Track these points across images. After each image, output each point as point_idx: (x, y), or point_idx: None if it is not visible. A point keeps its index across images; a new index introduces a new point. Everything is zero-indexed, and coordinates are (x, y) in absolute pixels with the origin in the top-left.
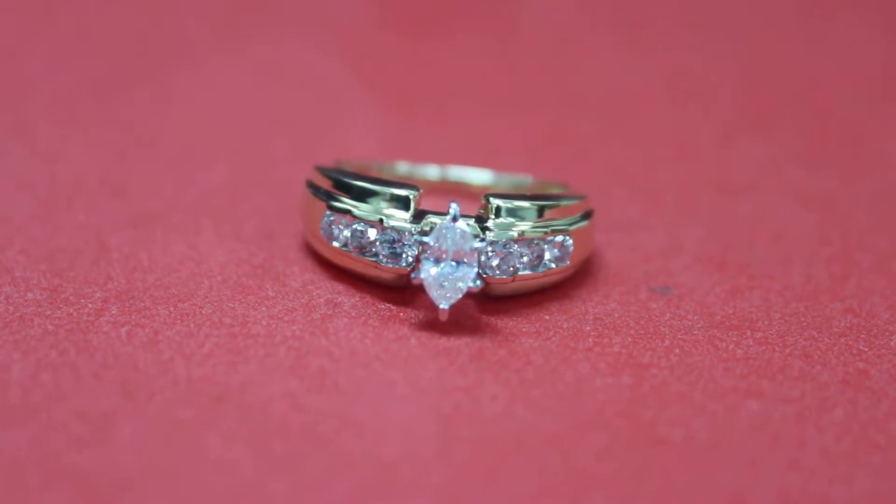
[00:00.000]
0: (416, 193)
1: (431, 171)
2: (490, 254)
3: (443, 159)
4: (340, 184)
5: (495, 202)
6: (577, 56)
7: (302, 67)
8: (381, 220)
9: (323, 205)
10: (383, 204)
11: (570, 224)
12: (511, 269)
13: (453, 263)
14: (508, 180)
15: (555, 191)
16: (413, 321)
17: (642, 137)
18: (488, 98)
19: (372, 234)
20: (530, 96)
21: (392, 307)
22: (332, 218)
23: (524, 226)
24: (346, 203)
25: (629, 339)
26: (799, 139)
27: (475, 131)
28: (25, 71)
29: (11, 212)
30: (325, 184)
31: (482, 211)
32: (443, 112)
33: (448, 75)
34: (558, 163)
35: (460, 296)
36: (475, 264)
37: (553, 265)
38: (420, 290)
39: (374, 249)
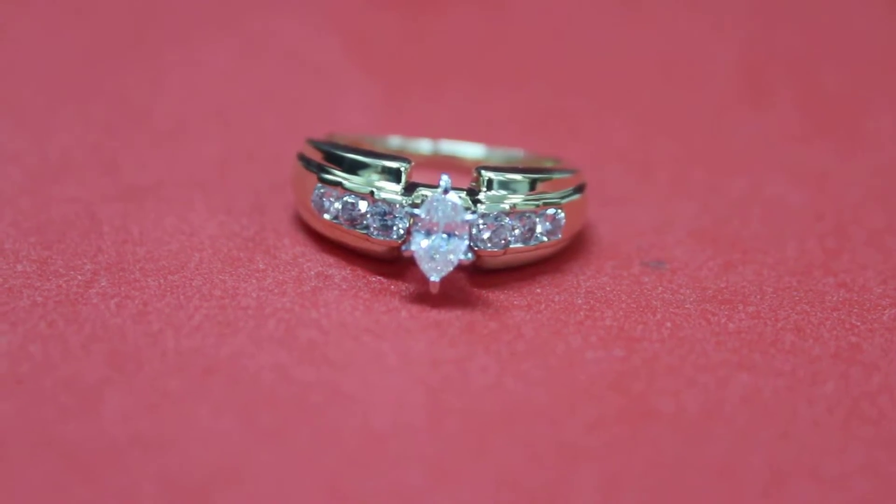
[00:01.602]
0: (408, 166)
1: (424, 145)
2: (481, 226)
3: (435, 135)
4: (332, 156)
5: (487, 175)
6: (571, 30)
7: (294, 43)
8: (372, 193)
9: (314, 177)
10: (374, 176)
11: (563, 197)
12: (502, 241)
13: (444, 236)
14: (501, 154)
15: (547, 164)
16: (404, 294)
17: (636, 112)
18: (481, 73)
19: (363, 206)
20: (523, 71)
21: (383, 280)
22: (323, 190)
23: (516, 199)
24: (338, 175)
25: (621, 313)
26: (793, 115)
27: (468, 106)
28: (15, 44)
29: (1, 184)
30: (317, 156)
31: (474, 184)
32: (435, 87)
33: (441, 50)
34: (552, 138)
35: (451, 268)
36: (466, 237)
37: (545, 238)
38: (411, 262)
39: (364, 222)
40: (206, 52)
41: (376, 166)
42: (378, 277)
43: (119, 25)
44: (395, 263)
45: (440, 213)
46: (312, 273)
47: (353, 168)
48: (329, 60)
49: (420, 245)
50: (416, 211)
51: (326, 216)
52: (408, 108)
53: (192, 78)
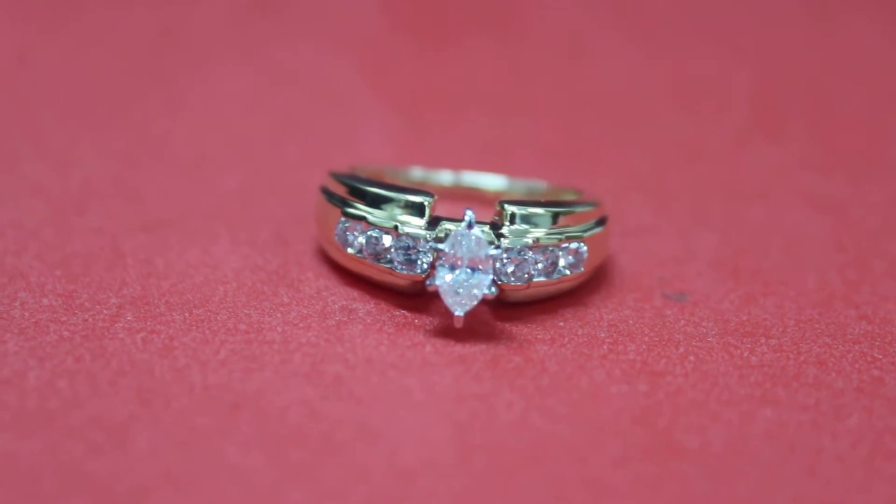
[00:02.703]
0: (431, 200)
1: (445, 177)
2: (505, 260)
3: (455, 165)
4: (355, 190)
5: (510, 209)
6: (589, 61)
7: (315, 74)
8: (395, 227)
9: (338, 211)
10: (398, 210)
11: (585, 231)
12: (526, 275)
13: (468, 270)
14: (522, 186)
15: (569, 197)
16: (428, 328)
17: (654, 143)
18: (500, 104)
19: (387, 240)
20: (543, 102)
21: (407, 314)
22: (346, 224)
23: (539, 232)
24: (361, 209)
25: (644, 346)
26: (811, 144)
27: (487, 137)
28: (38, 76)
29: (26, 217)
30: (340, 190)
31: (497, 217)
32: (455, 118)
33: (460, 81)
34: (571, 168)
35: (475, 303)
36: (490, 271)
37: (567, 272)
38: (435, 296)
39: (388, 256)
40: (227, 82)
41: (400, 200)
42: (402, 311)
43: (139, 56)
44: (419, 297)
45: (464, 248)
46: (337, 307)
47: (377, 202)
48: (349, 90)
49: (444, 279)
50: (441, 245)
51: (350, 250)
52: (428, 138)
53: (213, 109)
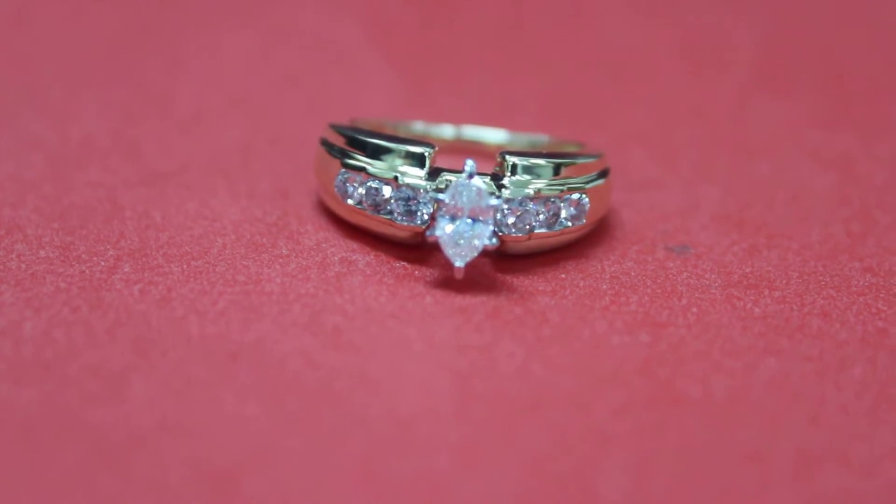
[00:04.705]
0: (432, 151)
1: (446, 131)
2: (506, 211)
3: (457, 120)
4: (355, 141)
5: (511, 160)
6: (593, 15)
7: (316, 28)
8: (395, 178)
9: (337, 162)
10: (398, 161)
11: (587, 182)
12: (527, 227)
13: (469, 221)
14: (524, 139)
15: (571, 149)
16: (428, 279)
17: (659, 97)
18: (503, 61)
19: (387, 191)
20: (545, 59)
21: (407, 265)
22: (346, 175)
23: (540, 183)
24: (361, 161)
25: (646, 298)
26: (816, 99)
27: (490, 92)
28: (38, 32)
29: (24, 170)
30: (340, 141)
31: (498, 168)
32: (457, 73)
33: (462, 36)
34: (574, 125)
35: (476, 254)
36: (491, 222)
37: (569, 223)
38: (435, 248)
39: (388, 207)
40: (228, 37)
41: (400, 151)
42: (402, 263)
43: (140, 11)
44: (419, 249)
45: (465, 198)
46: (336, 258)
47: (377, 153)
48: (350, 45)
49: (445, 230)
50: (441, 196)
51: (350, 201)
52: (429, 93)
53: (214, 64)
